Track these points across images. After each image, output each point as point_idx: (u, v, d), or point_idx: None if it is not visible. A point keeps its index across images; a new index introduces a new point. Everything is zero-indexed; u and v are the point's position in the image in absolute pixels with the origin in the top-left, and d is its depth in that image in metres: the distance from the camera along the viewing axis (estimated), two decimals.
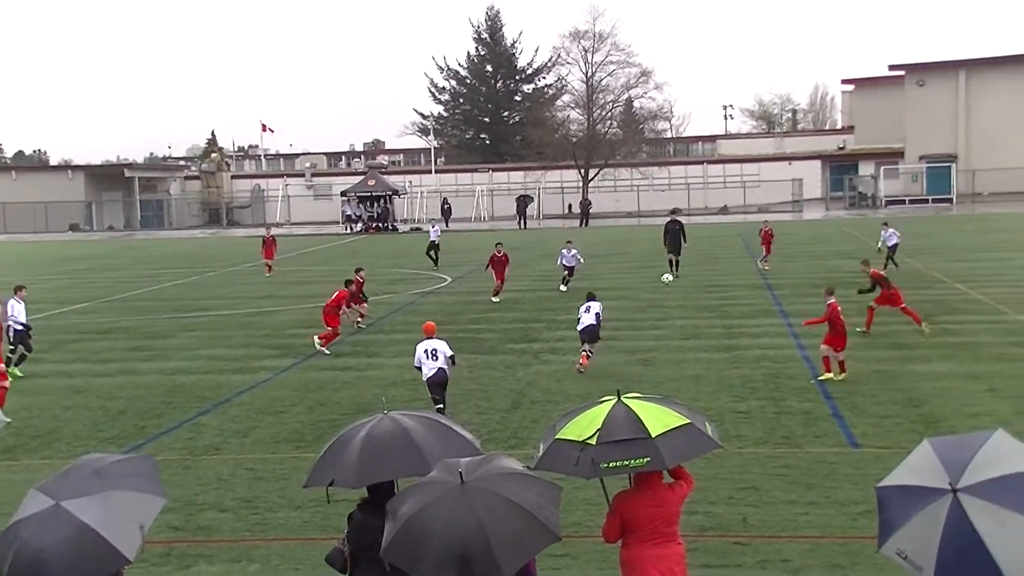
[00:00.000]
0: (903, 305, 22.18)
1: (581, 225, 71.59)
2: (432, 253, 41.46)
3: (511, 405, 16.80)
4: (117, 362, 21.94)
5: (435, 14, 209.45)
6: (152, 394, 18.44)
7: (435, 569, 5.94)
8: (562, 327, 24.80)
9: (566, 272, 31.79)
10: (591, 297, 21.03)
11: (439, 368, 15.54)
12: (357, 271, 26.62)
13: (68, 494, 5.97)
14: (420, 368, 15.79)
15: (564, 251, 32.13)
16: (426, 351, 15.74)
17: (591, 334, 20.01)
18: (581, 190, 79.96)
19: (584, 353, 19.89)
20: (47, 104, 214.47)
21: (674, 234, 34.99)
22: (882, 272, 24.00)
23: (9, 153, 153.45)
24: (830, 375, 17.60)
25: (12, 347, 20.88)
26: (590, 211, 74.50)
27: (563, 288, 31.01)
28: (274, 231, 46.63)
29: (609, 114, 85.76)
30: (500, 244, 31.18)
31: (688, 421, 7.20)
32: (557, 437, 7.11)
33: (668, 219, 36.24)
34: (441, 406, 15.26)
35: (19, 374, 20.08)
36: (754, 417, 15.40)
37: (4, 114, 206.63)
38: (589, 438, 6.93)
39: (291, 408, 17.04)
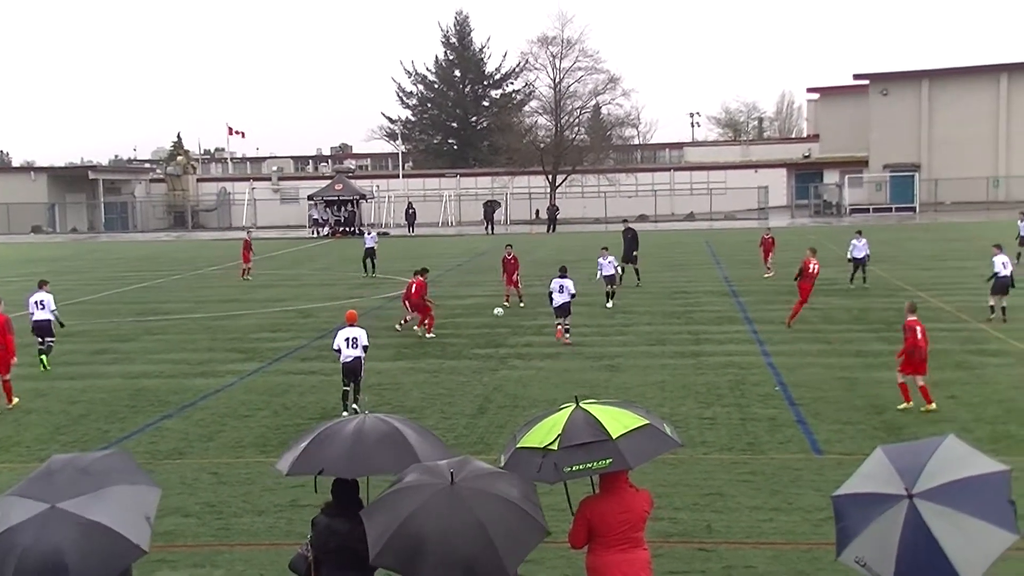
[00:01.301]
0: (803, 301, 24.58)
1: (548, 231, 71.66)
2: (368, 261, 39.05)
3: (477, 410, 16.80)
4: (79, 365, 21.73)
5: (404, 18, 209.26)
6: (115, 398, 18.28)
7: (438, 572, 5.91)
8: (528, 332, 24.84)
9: (609, 286, 28.94)
10: (563, 274, 23.60)
11: (356, 356, 16.57)
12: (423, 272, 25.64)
13: (61, 496, 5.92)
14: (339, 352, 16.69)
15: (601, 260, 29.36)
16: (347, 339, 16.66)
17: (566, 311, 23.07)
18: (548, 196, 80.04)
19: (560, 327, 23.01)
20: (10, 105, 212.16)
21: (627, 242, 35.08)
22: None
23: None
24: (932, 406, 15.68)
25: (41, 341, 21.63)
26: (557, 217, 74.61)
27: (608, 306, 28.28)
28: (253, 234, 45.70)
29: (577, 120, 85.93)
30: (510, 246, 30.57)
31: (647, 422, 7.31)
32: (518, 446, 7.18)
33: (623, 228, 36.00)
34: (347, 389, 16.62)
35: (47, 367, 21.09)
36: (719, 423, 15.49)
37: None
38: (550, 444, 6.98)
39: (256, 412, 16.95)
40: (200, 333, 25.95)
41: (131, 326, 27.36)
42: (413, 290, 24.63)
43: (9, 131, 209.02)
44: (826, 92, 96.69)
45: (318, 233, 72.72)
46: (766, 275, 35.34)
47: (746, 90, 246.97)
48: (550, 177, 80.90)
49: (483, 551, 5.92)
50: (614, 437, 7.01)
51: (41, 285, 22.49)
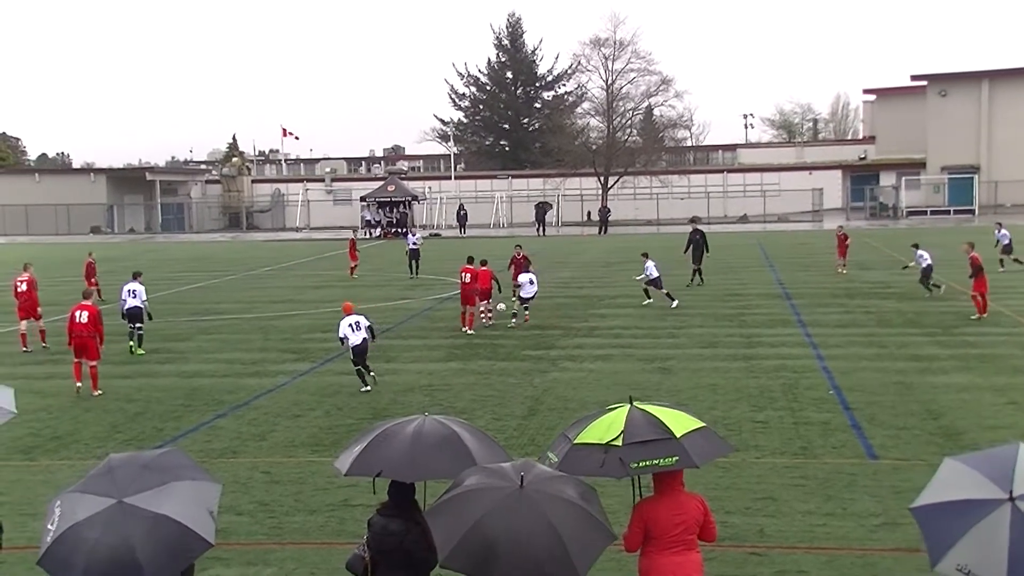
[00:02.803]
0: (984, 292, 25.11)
1: (600, 233, 71.51)
2: (413, 263, 39.25)
3: (528, 412, 16.78)
4: (136, 364, 22.03)
5: (456, 21, 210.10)
6: (170, 396, 18.49)
7: (510, 575, 5.90)
8: (579, 334, 24.79)
9: (659, 289, 29.26)
10: (528, 268, 27.21)
11: (364, 338, 18.50)
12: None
13: (126, 491, 5.99)
14: (344, 340, 18.50)
15: (647, 264, 29.63)
16: (351, 324, 18.48)
17: (532, 298, 26.90)
18: (600, 197, 79.86)
19: (527, 313, 26.65)
20: (70, 107, 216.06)
21: (696, 244, 34.96)
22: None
23: (32, 156, 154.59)
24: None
25: (131, 328, 23.38)
26: (609, 219, 74.41)
27: (674, 305, 28.47)
28: (358, 234, 45.94)
29: (629, 122, 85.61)
30: (519, 246, 31.06)
31: (703, 424, 7.29)
32: (576, 442, 7.08)
33: (691, 229, 36.08)
34: (360, 368, 18.52)
35: (141, 352, 22.94)
36: (772, 427, 15.33)
37: (28, 117, 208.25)
38: (614, 440, 6.92)
39: (308, 412, 17.06)
40: (253, 333, 26.21)
41: (186, 326, 27.70)
42: (478, 280, 25.92)
43: (70, 133, 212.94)
44: (882, 93, 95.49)
45: (370, 234, 73.17)
46: (841, 271, 35.15)
47: (800, 91, 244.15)
48: (602, 179, 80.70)
49: (555, 554, 5.91)
50: (677, 436, 6.98)
51: (135, 276, 24.37)
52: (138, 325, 23.52)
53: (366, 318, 18.93)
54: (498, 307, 27.29)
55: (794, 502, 11.87)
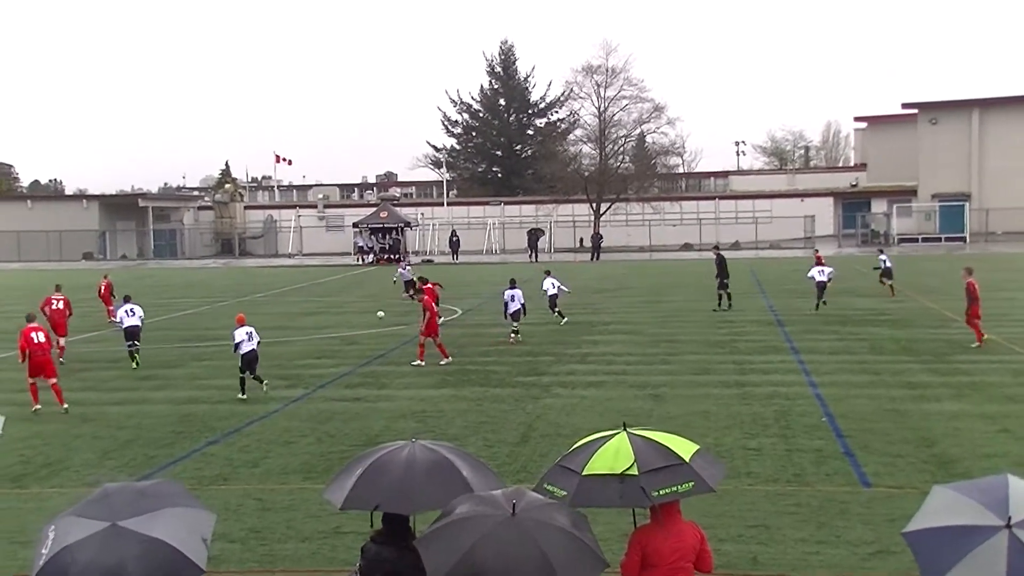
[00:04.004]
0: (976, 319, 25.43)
1: (592, 259, 71.61)
2: (410, 292, 38.33)
3: (520, 439, 16.75)
4: (127, 391, 21.97)
5: (449, 48, 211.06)
6: (162, 423, 18.43)
7: None
8: (571, 360, 24.78)
9: (553, 309, 31.63)
10: (514, 285, 28.35)
11: (253, 348, 20.69)
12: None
13: (120, 515, 6.00)
14: (238, 347, 20.49)
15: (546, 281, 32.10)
16: (247, 333, 20.70)
17: (517, 317, 28.08)
18: (593, 224, 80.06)
19: (515, 334, 27.73)
20: (63, 134, 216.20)
21: (718, 268, 35.09)
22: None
23: (25, 182, 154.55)
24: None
25: (129, 344, 25.49)
26: (601, 245, 74.56)
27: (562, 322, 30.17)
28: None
29: (621, 149, 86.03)
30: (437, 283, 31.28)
31: (698, 445, 7.29)
32: (585, 473, 6.96)
33: (715, 256, 36.06)
34: (244, 375, 20.48)
35: (138, 364, 24.95)
36: (765, 454, 15.32)
37: (20, 144, 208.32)
38: (628, 469, 6.85)
39: (301, 439, 17.01)
40: None
41: (178, 352, 27.64)
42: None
43: (62, 160, 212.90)
44: (874, 121, 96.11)
45: (363, 260, 73.22)
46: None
47: (792, 119, 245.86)
48: (594, 205, 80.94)
49: None
50: (687, 460, 6.96)
51: (127, 299, 27.01)
52: (136, 343, 25.57)
53: (256, 331, 21.08)
54: (378, 314, 31.41)
55: (787, 530, 11.85)
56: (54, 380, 19.75)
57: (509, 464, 15.00)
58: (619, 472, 6.86)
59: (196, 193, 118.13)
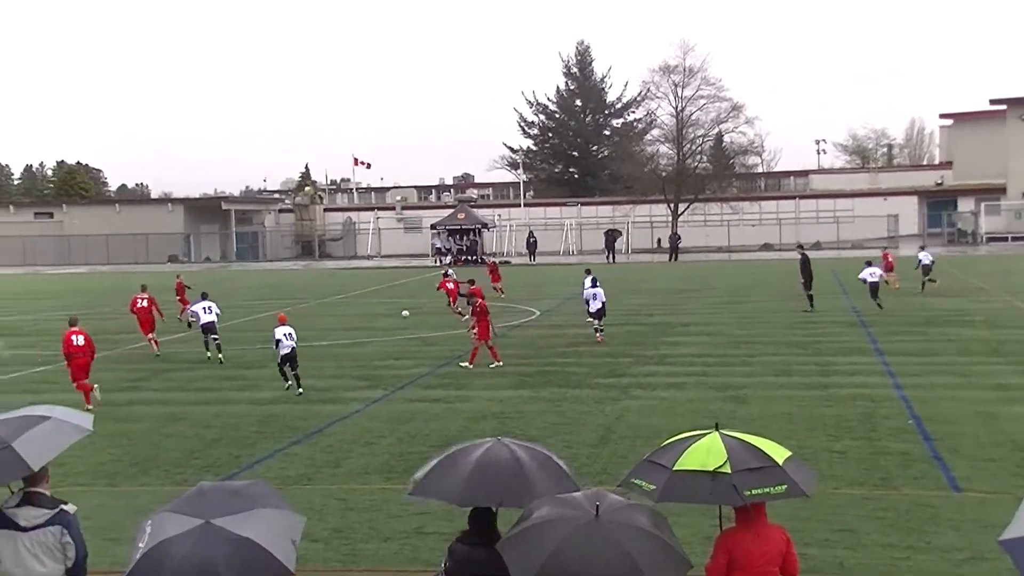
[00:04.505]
0: None
1: (670, 260, 71.15)
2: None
3: (599, 440, 16.68)
4: (211, 391, 22.35)
5: (526, 50, 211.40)
6: (245, 423, 18.71)
7: None
8: (650, 362, 24.62)
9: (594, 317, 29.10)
10: (596, 283, 28.54)
11: (293, 346, 21.47)
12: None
13: (214, 513, 6.12)
14: (278, 344, 21.38)
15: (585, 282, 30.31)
16: (286, 334, 21.46)
17: (601, 314, 28.07)
18: (670, 224, 79.51)
19: (599, 332, 27.78)
20: (149, 139, 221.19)
21: (802, 268, 34.65)
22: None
23: (113, 187, 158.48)
24: None
25: (210, 339, 26.95)
26: (679, 246, 74.00)
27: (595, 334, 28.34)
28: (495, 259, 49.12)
29: (699, 148, 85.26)
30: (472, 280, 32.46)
31: (791, 452, 7.17)
32: (676, 468, 6.90)
33: (799, 256, 35.64)
34: (285, 369, 21.56)
35: (221, 358, 26.32)
36: (849, 457, 15.05)
37: (108, 149, 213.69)
38: (720, 467, 6.76)
39: (381, 439, 17.15)
40: (326, 360, 26.45)
41: (260, 353, 28.00)
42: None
43: (148, 164, 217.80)
44: (960, 118, 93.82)
45: (440, 262, 73.58)
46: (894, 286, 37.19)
47: (874, 117, 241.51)
48: (672, 206, 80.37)
49: None
50: (780, 463, 6.85)
51: (204, 296, 28.26)
52: (214, 336, 26.93)
53: (295, 332, 21.90)
54: (403, 313, 33.46)
55: (874, 534, 11.61)
56: (85, 381, 20.43)
57: (589, 465, 14.94)
58: (711, 469, 6.78)
59: (277, 196, 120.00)
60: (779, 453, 7.04)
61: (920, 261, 39.95)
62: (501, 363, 24.15)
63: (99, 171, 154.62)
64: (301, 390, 21.37)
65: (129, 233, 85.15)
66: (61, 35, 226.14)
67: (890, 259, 41.85)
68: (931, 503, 12.73)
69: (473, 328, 25.21)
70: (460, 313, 33.62)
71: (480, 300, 26.47)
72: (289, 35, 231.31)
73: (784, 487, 6.78)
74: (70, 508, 7.53)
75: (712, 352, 25.87)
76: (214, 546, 5.92)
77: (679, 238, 75.12)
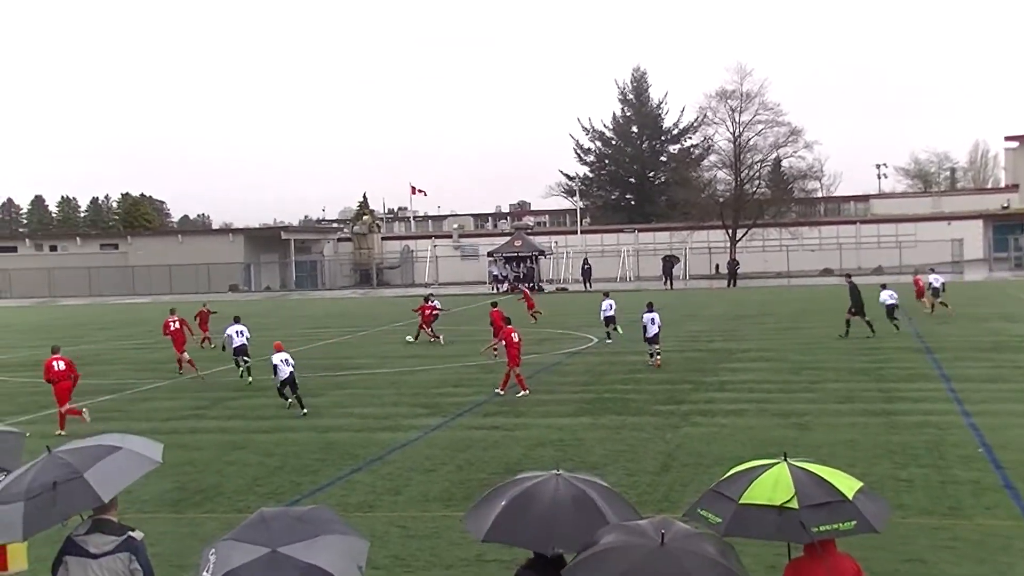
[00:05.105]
0: None
1: (729, 286, 70.62)
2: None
3: (661, 467, 16.53)
4: (273, 419, 22.54)
5: (581, 76, 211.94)
6: (307, 451, 18.83)
7: None
8: (710, 388, 24.40)
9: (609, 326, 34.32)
10: (651, 308, 28.92)
11: (291, 371, 22.70)
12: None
13: (279, 541, 6.12)
14: (276, 369, 22.65)
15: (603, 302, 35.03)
16: (283, 360, 22.76)
17: (656, 340, 28.52)
18: (729, 250, 78.97)
19: (655, 356, 28.32)
20: (210, 171, 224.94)
21: (852, 295, 34.34)
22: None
23: (175, 217, 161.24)
24: None
25: (242, 361, 28.43)
26: (738, 271, 73.43)
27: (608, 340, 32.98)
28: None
29: (757, 174, 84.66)
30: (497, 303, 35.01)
31: (861, 484, 6.98)
32: (742, 502, 6.81)
33: (848, 285, 35.36)
34: (285, 392, 22.89)
35: (250, 381, 27.25)
36: (917, 485, 14.76)
37: (171, 181, 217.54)
38: (787, 502, 6.62)
39: (441, 467, 17.15)
40: (385, 388, 26.57)
41: (321, 381, 28.26)
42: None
43: (209, 195, 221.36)
44: None
45: (498, 289, 73.77)
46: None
47: (936, 140, 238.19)
48: (730, 231, 79.84)
49: None
50: (850, 497, 6.68)
51: (236, 320, 29.92)
52: (246, 359, 28.44)
53: (291, 357, 23.10)
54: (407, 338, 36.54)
55: (944, 565, 11.36)
56: (65, 408, 21.37)
57: (650, 493, 14.82)
58: (778, 504, 6.64)
59: (335, 225, 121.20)
60: (849, 485, 6.86)
61: (931, 284, 40.42)
62: (527, 392, 24.13)
63: (162, 203, 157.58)
64: (305, 410, 22.46)
65: (191, 263, 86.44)
66: (127, 71, 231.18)
67: (920, 284, 42.78)
68: (1004, 532, 12.43)
69: (494, 349, 27.56)
70: (434, 336, 36.98)
71: (500, 325, 27.62)
72: (347, 67, 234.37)
73: (853, 523, 6.60)
74: (138, 535, 7.61)
75: (773, 379, 25.58)
76: (283, 574, 5.93)
77: (738, 264, 74.56)
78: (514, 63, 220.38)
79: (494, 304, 34.70)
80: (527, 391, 24.20)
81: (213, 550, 6.26)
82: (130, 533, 7.58)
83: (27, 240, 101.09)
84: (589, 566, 6.15)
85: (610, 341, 34.47)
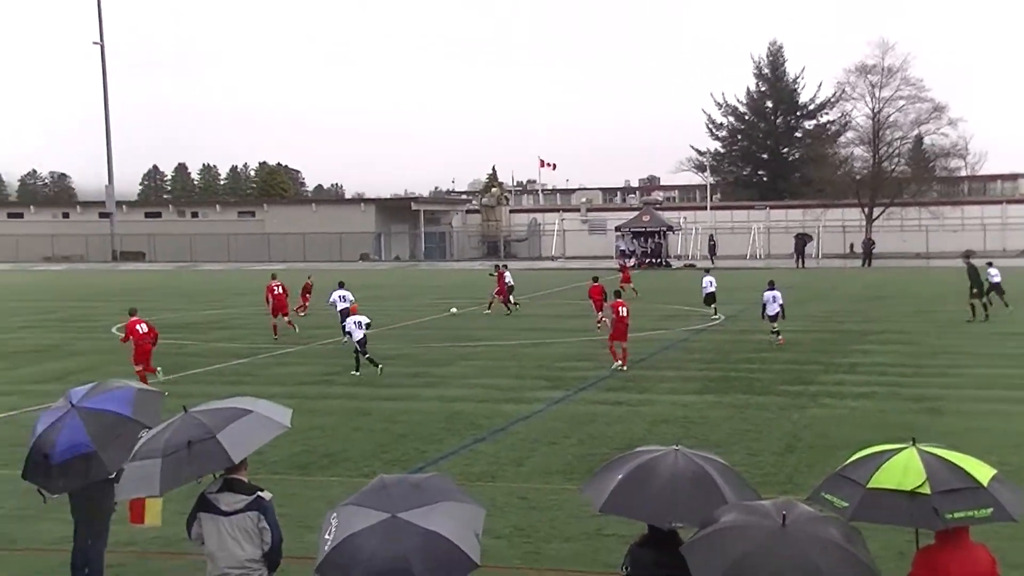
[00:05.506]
0: None
1: (863, 265, 68.82)
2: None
3: (785, 448, 16.26)
4: (400, 387, 22.94)
5: (715, 51, 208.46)
6: (432, 420, 19.11)
7: None
8: (840, 370, 23.86)
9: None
10: (773, 286, 28.68)
11: (364, 334, 24.22)
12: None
13: (399, 507, 6.25)
14: (351, 334, 24.43)
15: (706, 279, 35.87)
16: (356, 323, 24.39)
17: (776, 318, 28.43)
18: (864, 229, 76.87)
19: (776, 334, 28.12)
20: (344, 141, 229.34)
21: (973, 278, 33.28)
22: None
23: (310, 186, 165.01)
24: None
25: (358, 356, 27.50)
26: (873, 251, 71.44)
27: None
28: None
29: (897, 151, 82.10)
30: (596, 277, 35.57)
31: (996, 471, 6.70)
32: (870, 486, 6.61)
33: (966, 265, 34.08)
34: (358, 355, 24.18)
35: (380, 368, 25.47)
36: None
37: (307, 150, 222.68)
38: (919, 487, 6.42)
39: (563, 440, 17.21)
40: (509, 360, 26.75)
41: (447, 351, 28.62)
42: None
43: (343, 165, 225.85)
44: None
45: (624, 264, 73.39)
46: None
47: None
48: (866, 210, 77.71)
49: None
50: (984, 484, 6.45)
51: (341, 285, 31.74)
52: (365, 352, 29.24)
53: (366, 318, 24.83)
54: (451, 310, 38.18)
55: None
56: (140, 367, 22.47)
57: (774, 474, 14.60)
58: (908, 489, 6.43)
59: (464, 197, 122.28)
60: (982, 472, 6.60)
61: (989, 279, 35.10)
62: (623, 367, 24.17)
63: (298, 172, 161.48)
64: (381, 365, 24.13)
65: (324, 232, 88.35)
66: (267, 46, 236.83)
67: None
68: None
69: (598, 323, 29.78)
70: (509, 307, 38.59)
71: (599, 299, 30.94)
72: (480, 42, 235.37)
73: (990, 510, 6.35)
74: (266, 495, 7.87)
75: (907, 362, 24.86)
76: (403, 540, 6.05)
77: (873, 243, 72.59)
78: (647, 38, 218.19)
79: (595, 278, 35.04)
80: (625, 367, 24.22)
81: (335, 514, 6.44)
82: (259, 493, 7.84)
83: (170, 206, 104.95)
84: (708, 544, 6.10)
85: (716, 317, 35.14)
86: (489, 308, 38.58)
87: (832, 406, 19.67)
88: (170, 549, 11.18)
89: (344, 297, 30.72)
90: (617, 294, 26.89)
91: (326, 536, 6.33)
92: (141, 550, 11.44)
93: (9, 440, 16.67)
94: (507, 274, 39.38)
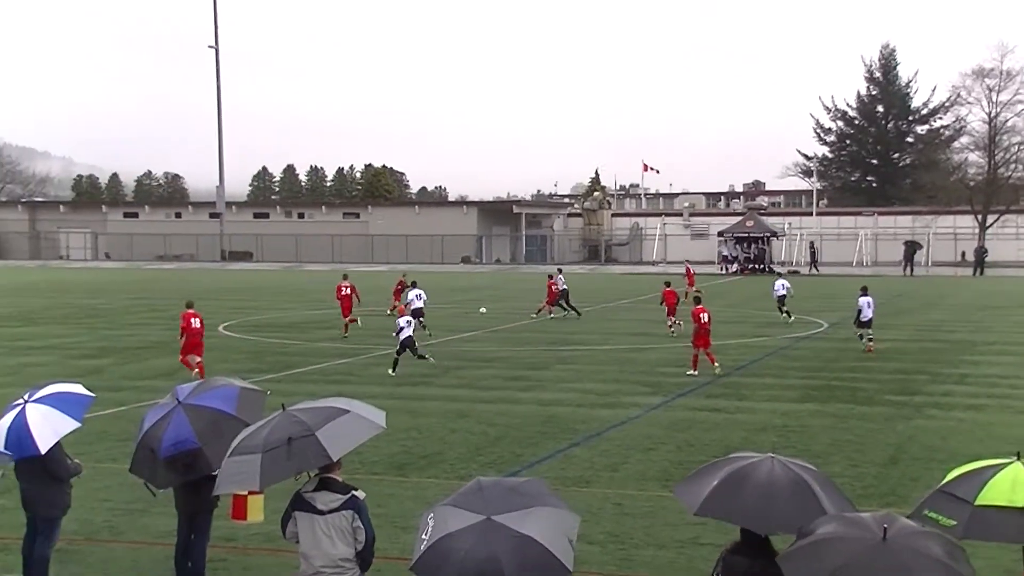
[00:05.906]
0: None
1: (975, 274, 66.83)
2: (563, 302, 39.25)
3: (889, 460, 15.90)
4: (497, 390, 23.04)
5: (824, 54, 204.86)
6: (528, 423, 19.15)
7: None
8: (948, 381, 23.24)
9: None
10: (865, 292, 28.42)
11: (410, 335, 24.71)
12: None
13: (494, 510, 6.33)
14: (400, 331, 24.62)
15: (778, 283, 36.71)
16: (407, 321, 25.10)
17: (870, 324, 28.10)
18: (977, 237, 74.63)
19: (869, 340, 27.89)
20: (448, 145, 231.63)
21: None
22: None
23: (414, 188, 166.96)
24: None
25: (419, 321, 29.54)
26: (986, 259, 69.30)
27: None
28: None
29: (1015, 157, 79.55)
30: (551, 275, 38.56)
31: None
32: (979, 503, 6.46)
33: None
34: (399, 357, 24.56)
35: (432, 361, 26.05)
36: None
37: (411, 153, 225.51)
38: None
39: (660, 446, 17.10)
40: (608, 364, 26.67)
41: (546, 355, 28.66)
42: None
43: (447, 168, 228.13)
44: None
45: (727, 270, 72.57)
46: None
47: None
48: (979, 217, 75.45)
49: None
50: None
51: (414, 284, 33.50)
52: (421, 319, 30.71)
53: (414, 317, 26.32)
54: (480, 310, 38.48)
55: None
56: (200, 359, 23.62)
57: (876, 487, 14.29)
58: (1020, 506, 6.27)
59: (566, 200, 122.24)
60: None
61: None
62: (695, 373, 24.17)
63: (402, 174, 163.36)
64: (431, 358, 25.28)
65: (426, 234, 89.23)
66: (376, 53, 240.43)
67: None
68: None
69: (670, 328, 31.65)
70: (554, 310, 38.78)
71: (672, 304, 32.57)
72: (585, 47, 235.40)
73: None
74: (360, 494, 8.00)
75: (1020, 374, 24.08)
76: (496, 542, 6.10)
77: (986, 251, 70.41)
78: (756, 41, 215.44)
79: (667, 283, 35.00)
80: (696, 372, 24.22)
81: (432, 514, 6.54)
82: (354, 492, 7.97)
83: (278, 207, 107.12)
84: (806, 555, 6.01)
85: (791, 320, 35.35)
86: (536, 314, 38.97)
87: (939, 417, 19.18)
88: (269, 545, 11.43)
89: (420, 296, 32.16)
90: (697, 300, 26.70)
91: (423, 536, 6.44)
92: (242, 546, 11.73)
93: (118, 435, 17.22)
94: (560, 278, 39.87)
